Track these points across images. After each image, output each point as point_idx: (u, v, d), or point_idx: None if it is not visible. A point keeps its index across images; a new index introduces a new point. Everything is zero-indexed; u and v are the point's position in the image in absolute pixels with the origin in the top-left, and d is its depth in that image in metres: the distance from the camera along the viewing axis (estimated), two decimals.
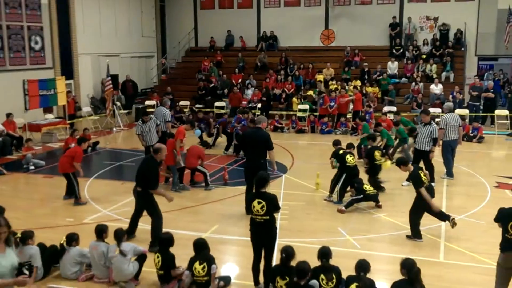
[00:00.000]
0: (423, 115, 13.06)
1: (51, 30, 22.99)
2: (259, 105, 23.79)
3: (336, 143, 12.36)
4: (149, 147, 14.36)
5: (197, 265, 7.32)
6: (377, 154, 12.23)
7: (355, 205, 11.38)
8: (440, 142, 13.51)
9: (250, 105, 23.57)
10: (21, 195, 13.02)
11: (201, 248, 7.45)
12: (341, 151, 11.92)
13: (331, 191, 11.95)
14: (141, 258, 7.83)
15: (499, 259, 6.59)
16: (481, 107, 22.26)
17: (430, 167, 12.75)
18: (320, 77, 25.06)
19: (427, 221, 9.82)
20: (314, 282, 6.58)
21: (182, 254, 8.26)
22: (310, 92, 24.07)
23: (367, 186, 11.54)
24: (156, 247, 8.29)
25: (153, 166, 9.04)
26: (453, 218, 9.35)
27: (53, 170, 15.18)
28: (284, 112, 23.59)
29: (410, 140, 15.23)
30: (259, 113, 21.69)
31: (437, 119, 13.76)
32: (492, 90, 22.10)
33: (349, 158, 11.69)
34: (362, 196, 11.28)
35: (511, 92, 22.02)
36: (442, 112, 20.85)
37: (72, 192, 11.92)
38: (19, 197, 12.67)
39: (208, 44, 30.31)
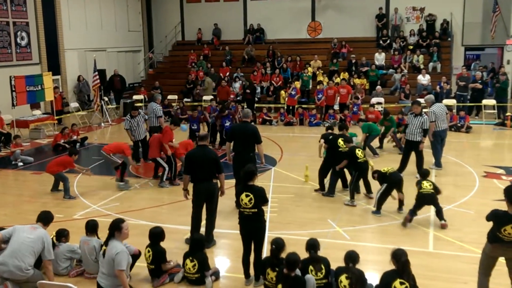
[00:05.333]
0: (414, 106, 13.02)
1: (37, 26, 22.87)
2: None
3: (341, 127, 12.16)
4: (137, 142, 14.37)
5: (188, 262, 7.42)
6: (340, 141, 11.46)
7: (344, 197, 11.43)
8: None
9: (238, 98, 23.54)
10: (10, 191, 12.96)
11: (196, 247, 7.47)
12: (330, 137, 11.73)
13: (331, 190, 11.67)
14: (134, 256, 7.79)
15: (485, 247, 6.65)
16: (469, 97, 22.37)
17: (420, 158, 12.84)
18: (310, 70, 25.04)
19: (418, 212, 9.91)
20: (309, 276, 6.61)
21: (173, 248, 8.30)
22: (297, 83, 24.06)
23: (385, 168, 10.75)
24: (213, 242, 8.85)
25: (214, 151, 9.01)
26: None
27: (41, 166, 15.11)
28: (272, 105, 23.60)
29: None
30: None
31: (424, 110, 13.76)
32: (480, 81, 22.19)
33: (359, 153, 11.08)
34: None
35: (499, 82, 22.08)
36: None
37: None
38: (8, 194, 12.62)
39: (195, 37, 30.24)
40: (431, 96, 14.80)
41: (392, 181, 10.24)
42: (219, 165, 8.68)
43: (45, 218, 7.64)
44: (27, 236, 7.20)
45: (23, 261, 7.03)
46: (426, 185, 9.68)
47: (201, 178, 8.65)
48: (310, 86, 24.14)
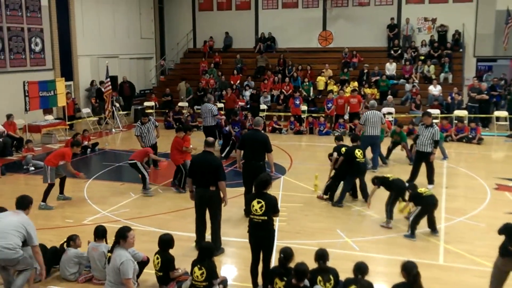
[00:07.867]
0: (425, 117, 12.97)
1: (51, 32, 23.02)
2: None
3: (338, 138, 12.33)
4: None
5: (196, 270, 7.32)
6: (357, 152, 11.50)
7: (353, 207, 11.42)
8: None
9: (248, 106, 23.58)
10: None
11: (205, 255, 7.44)
12: (343, 149, 11.75)
13: (340, 200, 11.65)
14: (142, 263, 7.80)
15: (497, 261, 6.61)
16: None
17: (430, 169, 12.82)
18: (322, 79, 25.09)
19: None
20: (318, 287, 6.58)
21: (181, 255, 8.29)
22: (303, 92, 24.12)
23: (422, 189, 10.06)
24: (221, 250, 8.87)
25: (218, 159, 9.08)
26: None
27: None
28: (282, 114, 23.62)
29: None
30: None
31: (435, 121, 13.75)
32: (486, 92, 22.10)
33: (357, 153, 11.47)
34: (420, 207, 9.75)
35: (510, 93, 22.00)
36: (441, 113, 20.96)
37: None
38: None
39: (207, 45, 30.30)
40: (373, 102, 15.54)
41: (427, 203, 9.63)
42: (220, 173, 8.68)
43: (21, 203, 7.61)
44: (11, 219, 7.22)
45: (10, 240, 7.02)
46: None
47: (200, 183, 8.78)
48: (311, 94, 24.45)
